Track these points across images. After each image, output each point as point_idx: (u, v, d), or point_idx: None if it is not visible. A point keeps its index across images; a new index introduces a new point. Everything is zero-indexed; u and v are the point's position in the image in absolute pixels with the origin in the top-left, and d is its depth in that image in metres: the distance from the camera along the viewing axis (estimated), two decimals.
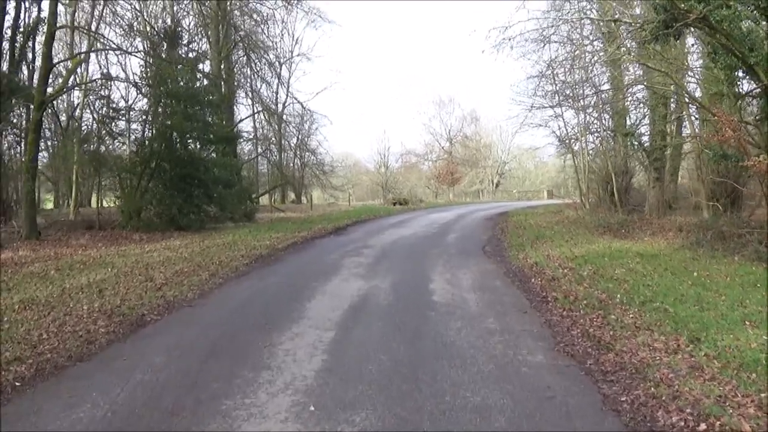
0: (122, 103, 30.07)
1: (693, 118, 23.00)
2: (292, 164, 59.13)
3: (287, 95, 56.19)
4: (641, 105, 29.53)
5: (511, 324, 8.79)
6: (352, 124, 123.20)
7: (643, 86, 26.33)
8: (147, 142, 27.18)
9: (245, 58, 44.26)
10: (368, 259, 15.98)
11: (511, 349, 7.53)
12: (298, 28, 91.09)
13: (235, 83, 43.66)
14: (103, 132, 28.58)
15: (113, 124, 28.60)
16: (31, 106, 23.69)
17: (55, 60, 26.96)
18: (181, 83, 26.67)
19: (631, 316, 8.82)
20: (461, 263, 15.01)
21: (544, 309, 9.73)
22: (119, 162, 27.23)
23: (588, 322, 8.63)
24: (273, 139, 54.95)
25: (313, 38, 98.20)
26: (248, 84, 47.00)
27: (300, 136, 58.51)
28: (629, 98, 29.53)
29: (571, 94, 31.48)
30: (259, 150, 52.17)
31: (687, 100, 22.34)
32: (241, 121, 45.15)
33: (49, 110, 38.19)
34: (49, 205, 43.32)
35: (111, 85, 31.44)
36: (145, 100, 28.84)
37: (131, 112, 28.60)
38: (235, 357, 7.37)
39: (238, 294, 11.68)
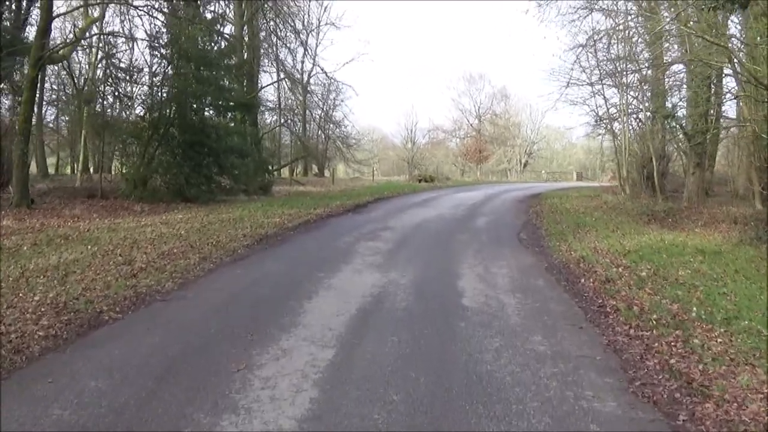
0: (143, 68, 28.10)
1: (752, 99, 20.60)
2: (315, 136, 57.24)
3: (313, 64, 54.22)
4: (682, 86, 27.60)
5: (565, 345, 6.77)
6: (379, 98, 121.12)
7: (683, 66, 24.46)
8: (156, 106, 25.23)
9: (270, 23, 42.13)
10: (387, 245, 13.93)
11: (570, 388, 5.51)
12: None
13: (261, 50, 41.57)
14: (109, 94, 26.70)
15: (121, 85, 26.69)
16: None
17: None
18: (200, 45, 24.71)
19: (718, 340, 6.78)
20: (494, 254, 12.92)
21: (603, 323, 7.67)
22: (125, 127, 25.41)
23: (665, 347, 6.59)
24: (297, 109, 53.05)
25: (342, 6, 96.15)
26: (272, 51, 44.85)
27: (325, 108, 56.50)
28: (671, 78, 27.55)
29: (613, 70, 29.20)
30: (281, 120, 50.09)
31: (745, 79, 20.06)
32: (262, 88, 42.98)
33: (64, 71, 36.81)
34: (69, 170, 42.05)
35: (133, 46, 29.32)
36: (161, 61, 26.85)
37: (140, 74, 26.70)
38: (195, 386, 5.41)
39: (227, 285, 9.71)
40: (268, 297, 8.88)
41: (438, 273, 10.83)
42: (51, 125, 41.79)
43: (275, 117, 49.49)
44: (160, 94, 25.36)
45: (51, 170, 42.51)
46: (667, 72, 26.94)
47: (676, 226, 17.94)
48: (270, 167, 37.55)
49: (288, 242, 14.38)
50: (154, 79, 25.74)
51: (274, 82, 48.18)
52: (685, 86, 26.94)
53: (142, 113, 25.91)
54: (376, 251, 12.99)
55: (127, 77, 26.38)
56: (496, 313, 8.06)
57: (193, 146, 23.60)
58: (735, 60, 18.28)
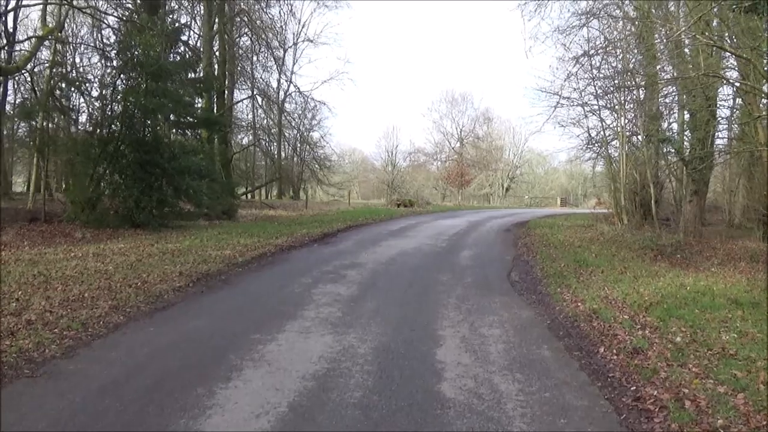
0: (93, 79, 25.75)
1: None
2: (293, 158, 54.91)
3: (289, 83, 52.01)
4: (673, 110, 26.15)
5: None
6: (359, 119, 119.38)
7: (675, 89, 22.68)
8: (105, 120, 22.73)
9: (244, 38, 39.97)
10: (350, 290, 11.41)
11: None
12: (305, 13, 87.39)
13: (236, 66, 39.32)
14: (52, 106, 24.26)
15: (67, 98, 24.30)
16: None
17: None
18: (157, 54, 22.28)
19: None
20: (482, 305, 10.42)
21: None
22: (69, 143, 22.96)
23: None
24: (272, 129, 50.80)
25: (320, 24, 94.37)
26: (245, 66, 42.55)
27: (300, 128, 54.17)
28: (667, 99, 25.69)
29: (611, 86, 27.20)
30: (254, 140, 47.77)
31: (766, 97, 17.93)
32: (233, 104, 40.60)
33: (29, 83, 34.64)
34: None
35: (105, 64, 26.97)
36: (113, 72, 24.44)
37: (88, 85, 24.31)
38: None
39: (127, 353, 7.16)
40: (172, 377, 6.31)
41: (410, 336, 8.22)
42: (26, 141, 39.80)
43: (252, 137, 47.39)
44: (110, 107, 22.87)
45: (24, 188, 40.58)
46: (662, 95, 25.05)
47: (688, 264, 15.69)
48: (237, 190, 35.21)
49: (230, 285, 11.80)
50: (103, 91, 23.27)
51: (245, 99, 46.06)
52: (679, 109, 25.26)
53: (90, 129, 23.39)
54: (335, 299, 10.50)
55: (74, 89, 23.93)
56: (489, 412, 5.55)
57: (145, 166, 21.06)
58: (752, 74, 16.17)
